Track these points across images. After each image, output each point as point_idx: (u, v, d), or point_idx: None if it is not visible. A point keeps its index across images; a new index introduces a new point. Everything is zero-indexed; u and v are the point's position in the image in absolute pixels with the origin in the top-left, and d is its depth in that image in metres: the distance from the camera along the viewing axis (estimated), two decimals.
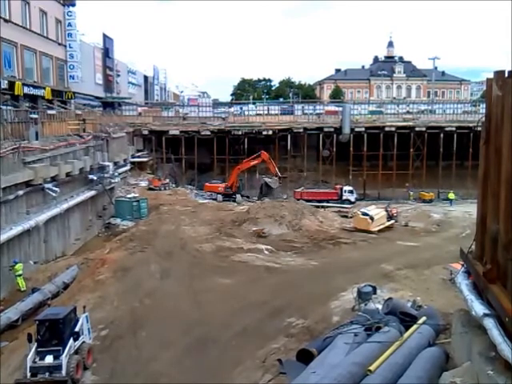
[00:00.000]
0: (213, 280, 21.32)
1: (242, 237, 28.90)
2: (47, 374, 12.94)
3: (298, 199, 45.07)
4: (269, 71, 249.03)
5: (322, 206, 42.19)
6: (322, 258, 25.38)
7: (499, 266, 8.14)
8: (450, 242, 26.44)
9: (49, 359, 13.13)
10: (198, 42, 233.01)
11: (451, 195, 47.32)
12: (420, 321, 12.64)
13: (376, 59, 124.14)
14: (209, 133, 52.54)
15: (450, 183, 50.00)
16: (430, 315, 13.33)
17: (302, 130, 53.16)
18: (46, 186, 24.36)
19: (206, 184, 48.39)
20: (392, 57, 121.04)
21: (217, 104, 77.22)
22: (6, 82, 30.79)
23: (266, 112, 60.53)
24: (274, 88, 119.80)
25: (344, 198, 46.56)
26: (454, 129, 52.03)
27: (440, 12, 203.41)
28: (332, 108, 61.91)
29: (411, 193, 49.61)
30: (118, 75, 60.94)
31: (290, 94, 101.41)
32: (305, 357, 12.05)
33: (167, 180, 48.28)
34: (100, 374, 13.93)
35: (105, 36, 55.66)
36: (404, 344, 11.34)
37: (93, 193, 31.61)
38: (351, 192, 47.30)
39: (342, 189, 47.36)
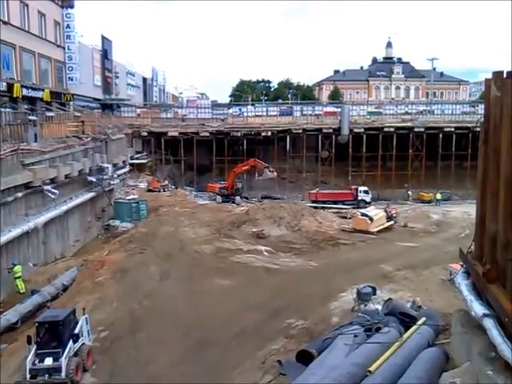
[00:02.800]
0: (212, 281, 21.31)
1: (242, 238, 28.87)
2: (47, 376, 12.91)
3: (313, 201, 44.83)
4: (267, 72, 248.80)
5: (323, 207, 41.90)
6: (321, 258, 25.36)
7: (498, 266, 8.15)
8: (450, 242, 26.42)
9: (48, 361, 13.10)
10: (196, 43, 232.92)
11: (438, 195, 47.64)
12: (420, 321, 12.65)
13: (374, 60, 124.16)
14: (208, 134, 52.62)
15: (449, 184, 50.14)
16: (430, 316, 13.34)
17: (300, 131, 53.24)
18: (45, 187, 24.33)
19: (209, 184, 48.59)
20: (390, 58, 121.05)
21: (216, 105, 77.22)
22: (5, 83, 30.77)
23: (264, 113, 60.63)
24: (272, 89, 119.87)
25: (359, 198, 46.08)
26: (452, 129, 52.17)
27: (438, 13, 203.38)
28: (331, 109, 62.01)
29: (410, 193, 49.68)
30: (117, 77, 60.95)
31: (289, 95, 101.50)
32: (304, 358, 12.05)
33: (166, 181, 48.28)
34: (99, 376, 13.91)
35: (103, 38, 55.67)
36: (404, 345, 11.34)
37: (92, 194, 31.61)
38: (366, 192, 46.76)
39: (357, 189, 46.86)
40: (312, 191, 47.35)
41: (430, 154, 52.45)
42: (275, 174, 45.77)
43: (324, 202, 43.70)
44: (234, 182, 46.64)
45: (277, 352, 14.35)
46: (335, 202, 44.51)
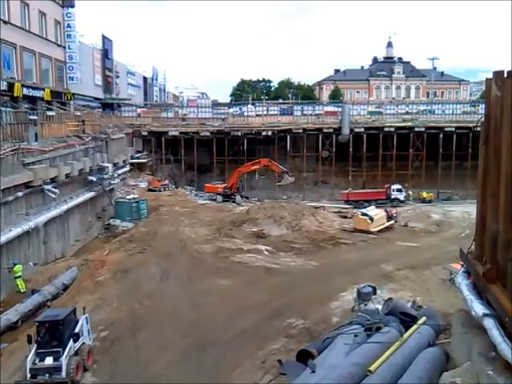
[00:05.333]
0: (212, 281, 21.31)
1: (242, 238, 28.88)
2: (47, 375, 12.92)
3: (346, 201, 44.29)
4: (268, 72, 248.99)
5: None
6: (321, 258, 25.35)
7: (499, 266, 8.15)
8: (450, 242, 26.41)
9: (48, 361, 13.11)
10: (197, 43, 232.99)
11: (424, 194, 47.69)
12: (420, 321, 12.64)
13: (375, 60, 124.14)
14: (208, 134, 52.61)
15: (450, 183, 50.10)
16: (430, 315, 13.33)
17: (301, 131, 53.22)
18: (46, 187, 24.34)
19: (206, 185, 48.35)
20: (391, 57, 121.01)
21: (216, 105, 77.20)
22: (6, 83, 30.77)
23: (265, 113, 60.54)
24: (273, 89, 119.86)
25: (393, 196, 45.20)
26: (453, 129, 52.14)
27: (438, 13, 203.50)
28: (331, 109, 61.89)
29: (411, 193, 49.64)
30: (118, 76, 60.96)
31: (290, 95, 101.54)
32: (305, 357, 12.04)
33: (167, 181, 48.27)
34: (100, 376, 13.92)
35: (104, 37, 55.69)
36: (404, 344, 11.33)
37: (92, 194, 31.60)
38: (400, 190, 45.80)
39: (389, 187, 45.99)
40: (344, 191, 46.64)
41: (430, 153, 52.43)
42: (293, 178, 45.48)
43: (356, 202, 42.90)
44: (237, 181, 46.47)
45: (277, 352, 14.36)
46: (368, 202, 43.17)
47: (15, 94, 31.73)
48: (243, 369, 13.78)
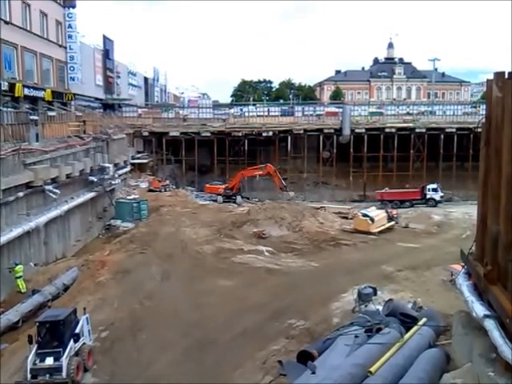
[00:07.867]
0: (213, 282, 21.30)
1: (243, 238, 28.84)
2: (47, 375, 12.93)
3: (380, 201, 44.07)
4: (269, 72, 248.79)
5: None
6: (322, 259, 25.33)
7: (500, 267, 8.15)
8: (451, 243, 26.36)
9: (49, 361, 13.12)
10: (198, 43, 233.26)
11: None
12: (420, 322, 12.64)
13: (376, 60, 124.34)
14: (209, 134, 52.56)
15: (451, 184, 50.00)
16: (431, 316, 13.34)
17: (302, 132, 53.14)
18: (47, 187, 24.35)
19: (207, 185, 48.26)
20: (392, 58, 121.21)
21: (217, 105, 77.21)
22: (7, 83, 30.79)
23: (266, 113, 60.52)
24: (274, 89, 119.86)
25: (428, 196, 44.44)
26: (454, 130, 52.06)
27: (439, 13, 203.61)
28: (332, 109, 61.88)
29: None
30: (119, 77, 60.99)
31: (290, 96, 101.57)
32: (305, 358, 12.04)
33: (167, 181, 48.22)
34: (100, 376, 13.93)
35: (105, 38, 55.73)
36: (404, 345, 11.34)
37: (93, 194, 31.62)
38: (435, 190, 44.81)
39: (424, 187, 45.24)
40: (379, 191, 46.13)
41: (431, 154, 52.34)
42: (293, 193, 45.14)
43: (390, 202, 42.36)
44: (239, 183, 46.37)
45: (278, 352, 14.36)
46: (402, 202, 42.81)
47: (16, 95, 31.74)
48: (244, 369, 13.79)
